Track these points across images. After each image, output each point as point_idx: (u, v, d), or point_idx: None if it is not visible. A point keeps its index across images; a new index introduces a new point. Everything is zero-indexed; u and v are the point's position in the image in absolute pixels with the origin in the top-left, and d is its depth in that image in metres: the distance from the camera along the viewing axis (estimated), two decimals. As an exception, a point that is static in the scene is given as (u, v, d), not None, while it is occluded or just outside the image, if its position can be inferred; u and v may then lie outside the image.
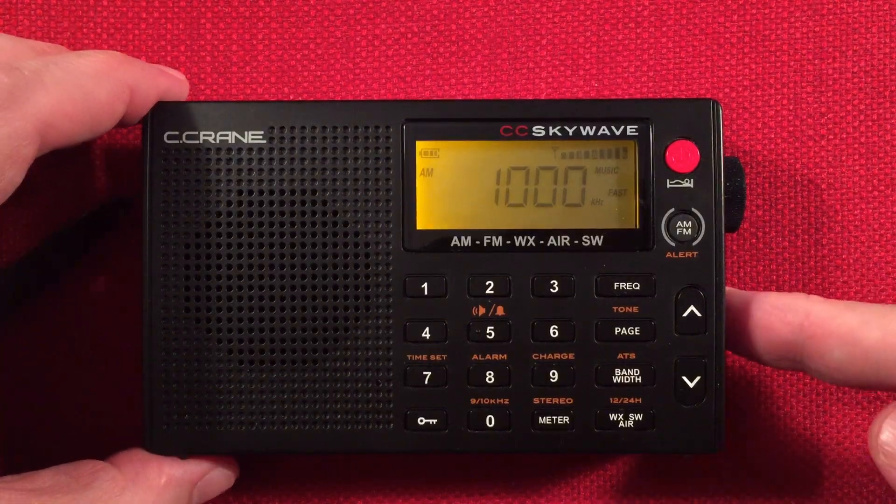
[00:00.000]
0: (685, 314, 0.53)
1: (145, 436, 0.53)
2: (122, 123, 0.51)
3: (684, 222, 0.52)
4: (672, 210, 0.53)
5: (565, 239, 0.53)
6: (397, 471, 0.62)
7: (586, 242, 0.53)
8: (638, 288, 0.53)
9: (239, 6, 0.62)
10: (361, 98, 0.61)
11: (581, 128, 0.53)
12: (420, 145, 0.53)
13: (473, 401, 0.53)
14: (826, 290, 0.61)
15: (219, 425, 0.53)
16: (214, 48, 0.62)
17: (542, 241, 0.53)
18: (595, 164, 0.53)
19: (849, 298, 0.61)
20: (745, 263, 0.61)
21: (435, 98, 0.62)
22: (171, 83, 0.53)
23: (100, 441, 0.60)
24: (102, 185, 0.60)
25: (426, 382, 0.53)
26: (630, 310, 0.53)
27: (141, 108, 0.51)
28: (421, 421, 0.53)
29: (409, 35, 0.62)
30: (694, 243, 0.52)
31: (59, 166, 0.59)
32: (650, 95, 0.62)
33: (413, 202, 0.53)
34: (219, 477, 0.44)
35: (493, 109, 0.54)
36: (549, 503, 0.62)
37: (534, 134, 0.53)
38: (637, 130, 0.53)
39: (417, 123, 0.53)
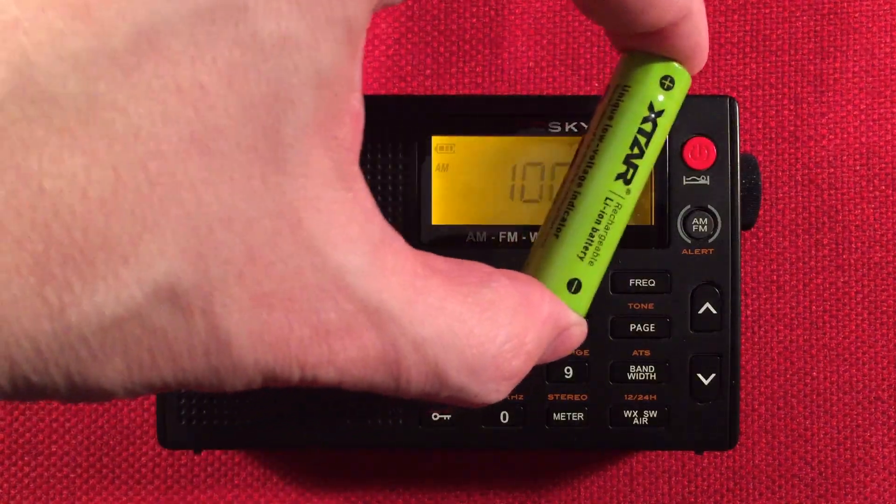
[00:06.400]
0: (701, 311, 0.53)
1: (158, 430, 0.52)
2: None
3: (700, 219, 0.52)
4: (688, 207, 0.52)
5: None
6: (397, 470, 0.61)
7: (602, 239, 0.53)
8: (653, 285, 0.53)
9: (238, 4, 0.62)
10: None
11: (598, 124, 0.53)
12: (436, 140, 0.53)
13: None
14: (826, 291, 0.61)
15: (232, 419, 0.52)
16: (214, 45, 0.61)
17: (557, 238, 0.53)
18: None
19: (849, 298, 0.61)
20: (746, 263, 0.61)
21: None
22: None
23: (111, 439, 0.60)
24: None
25: None
26: (645, 306, 0.53)
27: (666, 42, 0.39)
28: (435, 416, 0.53)
29: (409, 35, 0.62)
30: (710, 240, 0.52)
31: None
32: (651, 95, 0.62)
33: (428, 197, 0.53)
34: (576, 334, 0.41)
35: (509, 105, 0.53)
36: (549, 503, 0.62)
37: (550, 130, 0.53)
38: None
39: (434, 118, 0.53)
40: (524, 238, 0.53)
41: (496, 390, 0.34)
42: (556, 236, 0.39)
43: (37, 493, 0.61)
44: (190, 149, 0.25)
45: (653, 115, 0.39)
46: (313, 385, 0.29)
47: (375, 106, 0.53)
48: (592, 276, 0.39)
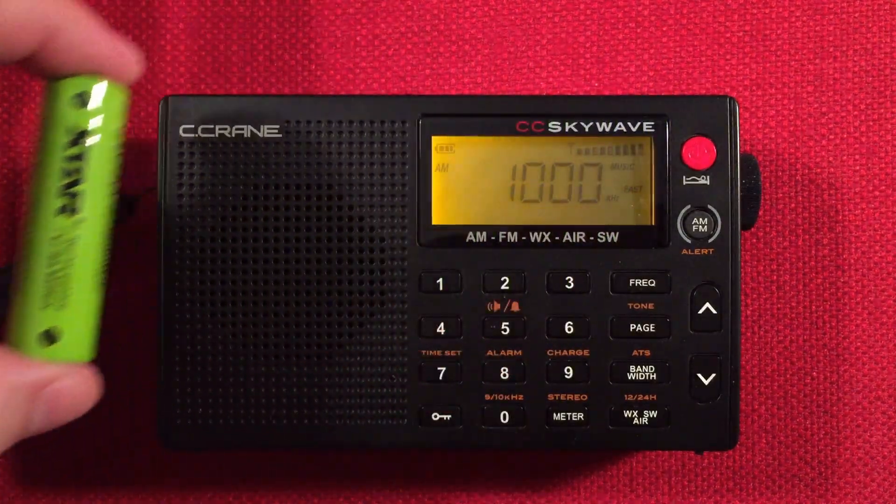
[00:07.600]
0: (700, 311, 0.53)
1: (160, 430, 0.52)
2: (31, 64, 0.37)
3: (700, 219, 0.52)
4: (688, 207, 0.52)
5: (581, 235, 0.53)
6: (397, 470, 0.61)
7: (602, 239, 0.53)
8: (653, 285, 0.53)
9: (239, 6, 0.61)
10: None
11: (597, 124, 0.53)
12: (436, 140, 0.53)
13: (488, 397, 0.53)
14: (826, 291, 0.61)
15: (233, 419, 0.53)
16: (214, 48, 0.61)
17: (557, 238, 0.53)
18: (611, 160, 0.53)
19: (849, 298, 0.61)
20: (746, 263, 0.61)
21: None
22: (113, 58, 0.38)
23: (114, 439, 0.60)
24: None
25: (441, 378, 0.53)
26: (645, 306, 0.53)
27: (58, 62, 0.37)
28: (435, 416, 0.53)
29: (410, 34, 0.62)
30: (710, 240, 0.52)
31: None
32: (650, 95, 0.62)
33: (428, 197, 0.53)
34: (68, 386, 0.37)
35: (509, 105, 0.54)
36: (549, 503, 0.61)
37: (550, 130, 0.53)
38: (653, 127, 0.53)
39: (433, 118, 0.53)
40: (524, 238, 0.53)
41: None
42: (20, 292, 0.37)
43: (37, 493, 0.61)
44: None
45: (78, 138, 0.37)
46: None
47: (375, 105, 0.53)
48: (72, 320, 0.37)
